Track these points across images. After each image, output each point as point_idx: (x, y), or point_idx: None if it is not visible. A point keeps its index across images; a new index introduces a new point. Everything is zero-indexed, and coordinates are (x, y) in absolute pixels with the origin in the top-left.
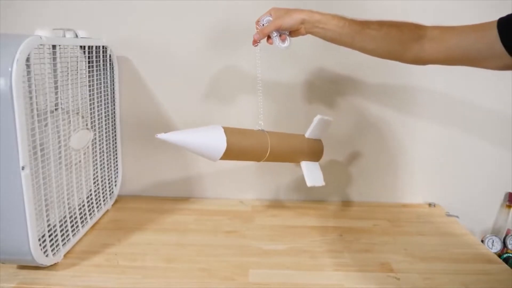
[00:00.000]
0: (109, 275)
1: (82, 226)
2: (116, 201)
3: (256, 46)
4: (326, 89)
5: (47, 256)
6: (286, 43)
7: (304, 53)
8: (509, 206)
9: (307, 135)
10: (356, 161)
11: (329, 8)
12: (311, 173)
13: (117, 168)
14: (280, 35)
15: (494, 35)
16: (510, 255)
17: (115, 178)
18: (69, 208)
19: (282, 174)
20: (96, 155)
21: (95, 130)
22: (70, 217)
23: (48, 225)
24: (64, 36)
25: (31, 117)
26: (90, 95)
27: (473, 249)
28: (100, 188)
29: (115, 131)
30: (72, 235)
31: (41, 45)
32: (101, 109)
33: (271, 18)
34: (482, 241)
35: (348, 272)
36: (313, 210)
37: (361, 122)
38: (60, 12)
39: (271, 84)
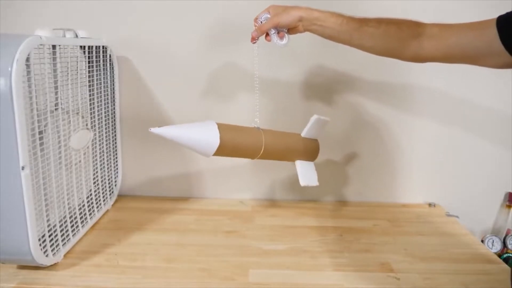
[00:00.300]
0: (109, 275)
1: (82, 226)
2: (116, 201)
3: (254, 43)
4: (324, 87)
5: (47, 256)
6: (284, 41)
7: (302, 51)
8: (509, 206)
9: (303, 134)
10: (356, 161)
11: (328, 6)
12: (306, 173)
13: (117, 168)
14: (278, 33)
15: (493, 33)
16: (510, 255)
17: (115, 178)
18: (69, 208)
19: (282, 174)
20: (96, 155)
21: (95, 130)
22: (70, 217)
23: (48, 225)
24: (64, 36)
25: (31, 117)
26: (90, 95)
27: (473, 249)
28: (100, 188)
29: (115, 131)
30: (72, 235)
31: (41, 45)
32: (101, 109)
33: (269, 16)
34: (482, 241)
35: (348, 272)
36: (313, 210)
37: (361, 121)
38: (60, 12)
39: (269, 81)
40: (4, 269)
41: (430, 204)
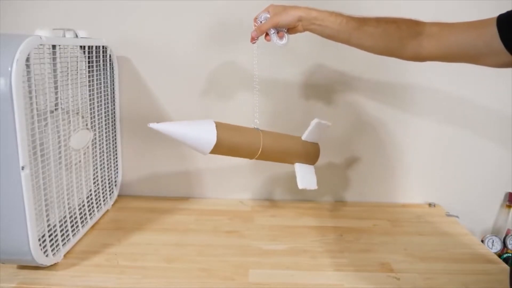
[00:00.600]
0: (109, 275)
1: (82, 226)
2: (116, 201)
3: (254, 43)
4: (324, 87)
5: (47, 256)
6: (284, 40)
7: (302, 50)
8: (509, 206)
9: (303, 137)
10: (356, 161)
11: (327, 5)
12: (304, 176)
13: (117, 168)
14: (277, 32)
15: (493, 32)
16: (510, 255)
17: (115, 178)
18: (69, 208)
19: (283, 175)
20: (96, 155)
21: (95, 130)
22: (70, 217)
23: (48, 225)
24: (64, 36)
25: (31, 117)
26: (90, 95)
27: (473, 249)
28: (100, 188)
29: (115, 131)
30: (72, 235)
31: (41, 45)
32: (101, 109)
33: (268, 15)
34: (482, 241)
35: (348, 272)
36: (313, 210)
37: (361, 121)
38: (60, 12)
39: (269, 81)
40: (4, 269)
41: (430, 204)
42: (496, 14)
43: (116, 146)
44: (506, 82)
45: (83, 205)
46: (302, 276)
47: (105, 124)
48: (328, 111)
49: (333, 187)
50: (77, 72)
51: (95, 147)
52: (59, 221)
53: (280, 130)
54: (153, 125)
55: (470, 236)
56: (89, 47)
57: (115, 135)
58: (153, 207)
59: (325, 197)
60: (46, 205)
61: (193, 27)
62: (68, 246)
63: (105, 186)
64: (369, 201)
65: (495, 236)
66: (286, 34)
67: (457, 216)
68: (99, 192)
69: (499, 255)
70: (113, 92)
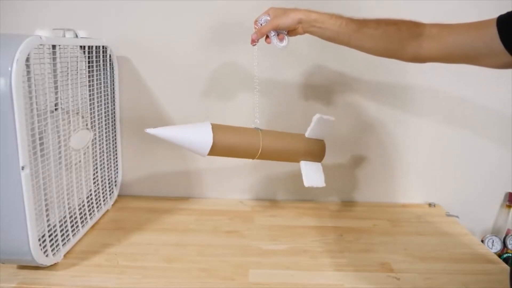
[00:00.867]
0: (109, 275)
1: (82, 226)
2: (116, 201)
3: (254, 45)
4: (324, 88)
5: (47, 256)
6: (284, 43)
7: (302, 52)
8: (509, 206)
9: (307, 134)
10: (356, 161)
11: (327, 6)
12: (310, 173)
13: (117, 168)
14: (278, 35)
15: (493, 33)
16: (510, 255)
17: (115, 178)
18: (69, 208)
19: (282, 174)
20: (96, 155)
21: (95, 130)
22: (70, 217)
23: (48, 225)
24: (64, 36)
25: (31, 117)
26: (90, 95)
27: (473, 249)
28: (100, 188)
29: (115, 131)
30: (72, 235)
31: (41, 45)
32: (101, 109)
33: (269, 18)
34: (482, 241)
35: (348, 272)
36: (313, 210)
37: (361, 121)
38: (60, 12)
39: (269, 83)
40: (4, 269)
41: (430, 204)
42: (496, 15)
43: (116, 146)
44: (506, 83)
45: (83, 205)
46: (302, 276)
47: (105, 124)
48: (328, 111)
49: (333, 187)
50: (77, 72)
51: (95, 147)
52: (59, 221)
53: (281, 130)
54: (150, 130)
55: (470, 236)
56: (89, 47)
57: (115, 135)
58: (153, 207)
59: (325, 197)
60: (46, 205)
61: (193, 27)
62: (68, 246)
63: (105, 186)
64: (369, 201)
65: (495, 236)
66: (286, 37)
67: (457, 216)
68: (99, 192)
69: (499, 255)
70: (113, 92)
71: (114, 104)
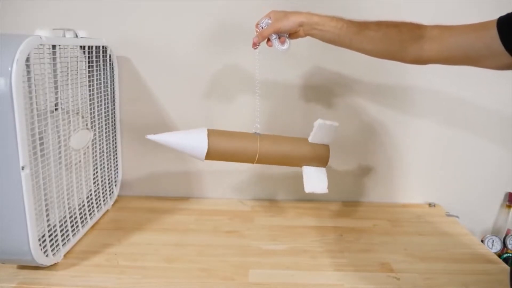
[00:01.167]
0: (109, 275)
1: (82, 226)
2: (116, 201)
3: (255, 48)
4: (324, 90)
5: (47, 256)
6: (285, 46)
7: (302, 54)
8: (509, 206)
9: (310, 139)
10: (356, 161)
11: (327, 6)
12: (312, 179)
13: (117, 168)
14: (279, 38)
15: (493, 34)
16: (510, 255)
17: (115, 178)
18: (69, 208)
19: (282, 175)
20: (96, 155)
21: (95, 130)
22: (70, 217)
23: (48, 225)
24: (64, 36)
25: (31, 117)
26: (90, 95)
27: (473, 249)
28: (100, 188)
29: (115, 131)
30: (72, 235)
31: (41, 45)
32: (101, 109)
33: (270, 21)
34: (482, 241)
35: (348, 272)
36: (313, 210)
37: (361, 122)
38: (60, 12)
39: (270, 85)
40: (4, 269)
41: (430, 204)
42: (496, 15)
43: (116, 146)
44: (506, 83)
45: (83, 205)
46: (302, 276)
47: (105, 124)
48: (328, 113)
49: (333, 187)
50: (77, 72)
51: (95, 147)
52: (59, 221)
53: (281, 132)
54: (151, 137)
55: (470, 236)
56: (89, 47)
57: (115, 135)
58: (153, 207)
59: (324, 197)
60: (46, 205)
61: (193, 27)
62: (68, 246)
63: (105, 186)
64: (369, 201)
65: (495, 236)
66: (287, 40)
67: (457, 216)
68: (99, 192)
69: (499, 255)
70: (113, 92)
71: (114, 104)
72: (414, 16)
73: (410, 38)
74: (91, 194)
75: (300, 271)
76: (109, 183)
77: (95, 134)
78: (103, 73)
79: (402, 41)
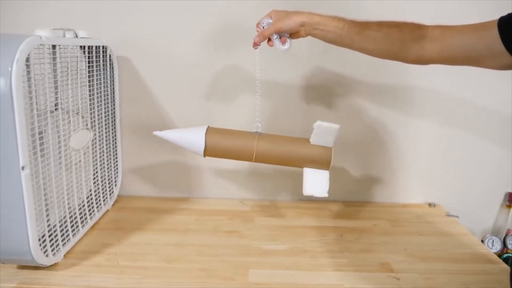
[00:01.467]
0: (109, 275)
1: (82, 226)
2: (116, 201)
3: (256, 48)
4: (325, 90)
5: (47, 256)
6: (286, 45)
7: (303, 54)
8: (509, 206)
9: (310, 141)
10: (356, 161)
11: (327, 6)
12: (312, 181)
13: (117, 168)
14: (280, 38)
15: (494, 35)
16: (510, 255)
17: (115, 178)
18: (69, 208)
19: (282, 175)
20: (96, 155)
21: (95, 130)
22: (70, 217)
23: (48, 225)
24: (64, 36)
25: (31, 117)
26: (90, 95)
27: (473, 249)
28: (100, 188)
29: (115, 131)
30: (72, 235)
31: (41, 45)
32: (101, 109)
33: (271, 21)
34: (482, 241)
35: (348, 272)
36: (313, 210)
37: (362, 122)
38: (60, 12)
39: (271, 85)
40: (4, 269)
41: (430, 204)
42: (497, 15)
43: (116, 146)
44: (506, 83)
45: (83, 205)
46: (302, 276)
47: (105, 124)
48: (329, 113)
49: (333, 187)
50: (77, 72)
51: (95, 147)
52: (59, 221)
53: (282, 133)
54: (157, 133)
55: (470, 236)
56: (89, 47)
57: (115, 135)
58: (153, 207)
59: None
60: (46, 205)
61: (193, 27)
62: (68, 246)
63: (105, 186)
64: (369, 201)
65: (495, 236)
66: (288, 39)
67: (457, 216)
68: (99, 192)
69: (499, 255)
70: (113, 92)
71: (114, 104)
72: (414, 16)
73: (411, 38)
74: (91, 194)
75: (300, 271)
76: (109, 183)
77: (95, 134)
78: (103, 73)
79: (404, 41)
